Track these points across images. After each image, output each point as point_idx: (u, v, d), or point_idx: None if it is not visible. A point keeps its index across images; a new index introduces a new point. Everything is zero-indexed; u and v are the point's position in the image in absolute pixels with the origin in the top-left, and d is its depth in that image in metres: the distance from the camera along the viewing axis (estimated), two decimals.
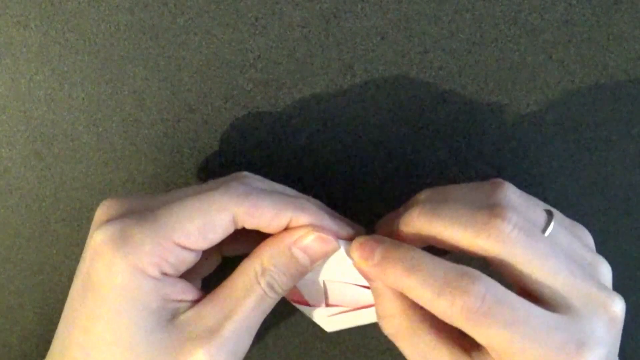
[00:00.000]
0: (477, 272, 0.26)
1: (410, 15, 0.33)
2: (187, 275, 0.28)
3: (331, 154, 0.34)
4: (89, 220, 0.30)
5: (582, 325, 0.26)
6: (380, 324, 0.29)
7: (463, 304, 0.25)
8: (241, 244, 0.30)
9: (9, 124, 0.34)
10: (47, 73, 0.34)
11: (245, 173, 0.30)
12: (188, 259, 0.27)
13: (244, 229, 0.28)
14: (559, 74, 0.34)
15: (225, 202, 0.27)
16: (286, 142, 0.34)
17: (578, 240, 0.28)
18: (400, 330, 0.28)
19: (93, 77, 0.34)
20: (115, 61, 0.34)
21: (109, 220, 0.27)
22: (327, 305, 0.31)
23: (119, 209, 0.28)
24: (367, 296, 0.30)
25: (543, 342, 0.25)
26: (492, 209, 0.27)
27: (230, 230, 0.27)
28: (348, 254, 0.28)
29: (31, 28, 0.33)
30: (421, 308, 0.27)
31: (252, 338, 0.28)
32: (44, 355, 0.29)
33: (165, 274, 0.27)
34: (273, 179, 0.32)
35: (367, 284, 0.29)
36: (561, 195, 0.35)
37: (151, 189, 0.35)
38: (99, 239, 0.26)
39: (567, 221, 0.29)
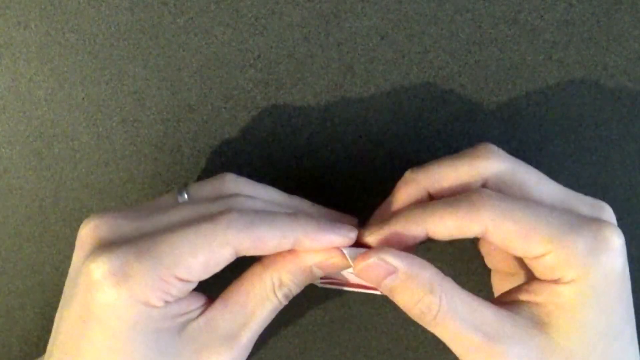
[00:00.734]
0: None
1: (410, 15, 0.33)
2: None
3: (331, 154, 0.34)
4: None
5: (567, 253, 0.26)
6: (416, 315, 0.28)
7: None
8: None
9: (9, 124, 0.34)
10: (47, 73, 0.34)
11: (230, 177, 0.29)
12: (189, 288, 0.27)
13: None
14: (559, 74, 0.34)
15: (228, 238, 0.26)
16: (286, 142, 0.34)
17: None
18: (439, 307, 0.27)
19: (93, 77, 0.34)
20: (115, 61, 0.34)
21: (102, 249, 0.26)
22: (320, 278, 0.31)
23: (109, 232, 0.27)
24: (359, 280, 0.30)
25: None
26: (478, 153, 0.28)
27: (231, 260, 0.27)
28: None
29: (31, 28, 0.33)
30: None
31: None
32: None
33: (168, 302, 0.26)
34: (273, 179, 0.32)
35: (358, 281, 0.29)
36: None
37: (151, 189, 0.35)
38: (98, 274, 0.25)
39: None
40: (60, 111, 0.34)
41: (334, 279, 0.31)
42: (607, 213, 0.28)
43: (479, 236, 0.26)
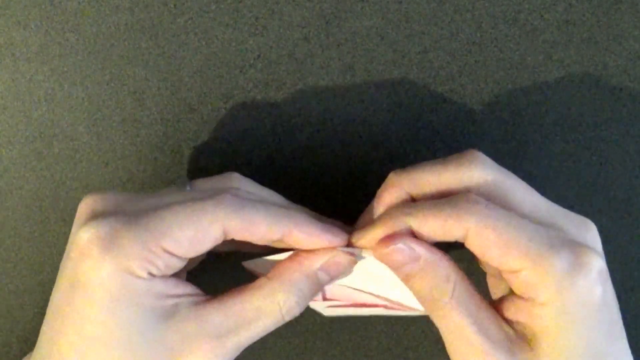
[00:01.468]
0: None
1: (410, 15, 0.33)
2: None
3: (331, 154, 0.34)
4: None
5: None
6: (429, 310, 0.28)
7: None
8: (228, 243, 0.30)
9: (9, 124, 0.34)
10: (47, 73, 0.34)
11: (235, 175, 0.29)
12: (175, 265, 0.27)
13: None
14: (559, 74, 0.34)
15: (217, 215, 0.26)
16: (286, 142, 0.34)
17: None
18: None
19: (93, 77, 0.34)
20: (115, 61, 0.34)
21: (94, 217, 0.26)
22: (325, 299, 0.31)
23: (104, 205, 0.27)
24: (363, 296, 0.30)
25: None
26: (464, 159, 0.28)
27: (219, 241, 0.27)
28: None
29: (31, 28, 0.33)
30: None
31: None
32: None
33: (152, 275, 0.26)
34: (273, 179, 0.32)
35: (363, 288, 0.29)
36: (561, 195, 0.35)
37: (151, 189, 0.35)
38: (85, 238, 0.26)
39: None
40: (60, 111, 0.34)
41: (339, 299, 0.31)
42: (592, 234, 0.27)
43: (461, 240, 0.26)
